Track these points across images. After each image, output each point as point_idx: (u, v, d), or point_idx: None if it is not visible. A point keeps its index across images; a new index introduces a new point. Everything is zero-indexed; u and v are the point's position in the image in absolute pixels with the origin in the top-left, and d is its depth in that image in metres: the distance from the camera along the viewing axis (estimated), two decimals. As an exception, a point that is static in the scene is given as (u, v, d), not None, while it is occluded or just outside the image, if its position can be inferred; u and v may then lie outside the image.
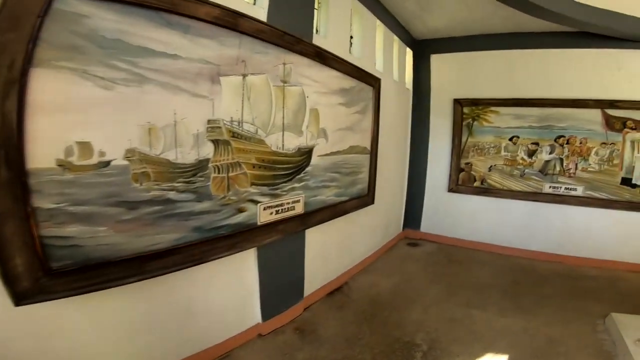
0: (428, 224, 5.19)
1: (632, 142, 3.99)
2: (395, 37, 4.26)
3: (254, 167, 2.12)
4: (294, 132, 2.43)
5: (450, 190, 4.93)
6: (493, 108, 4.51)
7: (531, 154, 4.40)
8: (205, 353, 2.14)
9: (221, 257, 1.96)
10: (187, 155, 1.75)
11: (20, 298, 1.26)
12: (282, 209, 2.39)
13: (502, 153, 4.55)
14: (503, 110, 4.45)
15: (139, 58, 1.50)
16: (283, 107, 2.30)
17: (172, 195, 1.71)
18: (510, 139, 4.48)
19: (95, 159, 1.42)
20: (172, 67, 1.63)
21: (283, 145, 2.34)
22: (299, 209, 2.56)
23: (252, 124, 2.08)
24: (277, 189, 2.33)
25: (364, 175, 3.53)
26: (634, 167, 4.01)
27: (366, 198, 3.62)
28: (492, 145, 4.59)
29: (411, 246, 4.98)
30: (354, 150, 3.27)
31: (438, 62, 4.83)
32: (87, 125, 1.37)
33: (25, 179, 1.22)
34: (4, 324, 1.31)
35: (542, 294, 3.45)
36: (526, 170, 4.44)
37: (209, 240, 1.90)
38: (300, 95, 2.45)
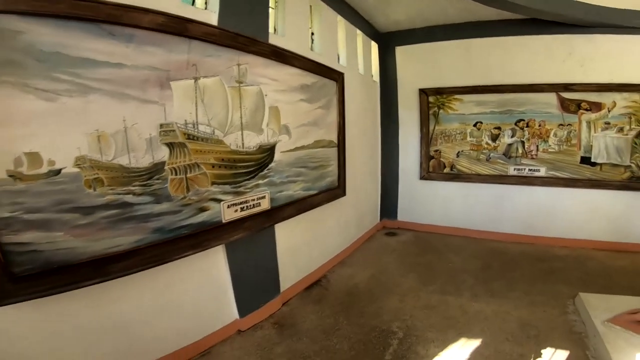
0: (404, 212, 5.32)
1: (588, 122, 4.16)
2: (359, 31, 4.33)
3: (213, 166, 2.16)
4: (254, 131, 2.48)
5: (422, 177, 5.05)
6: (456, 96, 4.64)
7: (494, 138, 4.55)
8: (183, 351, 2.20)
9: (185, 256, 2.01)
10: (141, 160, 1.79)
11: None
12: (247, 206, 2.45)
13: (468, 139, 4.69)
14: (466, 97, 4.59)
15: (81, 69, 1.52)
16: (240, 107, 2.35)
17: (128, 198, 1.75)
18: (475, 125, 4.62)
19: (44, 168, 1.45)
20: (117, 76, 1.66)
21: (243, 144, 2.39)
22: (265, 205, 2.62)
23: (208, 125, 2.12)
24: (240, 186, 2.38)
25: (333, 168, 3.60)
26: (591, 146, 4.18)
27: (337, 190, 3.69)
28: (458, 132, 4.73)
29: (389, 236, 5.10)
30: (320, 144, 3.34)
31: (403, 54, 4.92)
32: (33, 137, 1.40)
33: (-24, 191, 1.22)
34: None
35: (512, 277, 3.58)
36: (491, 154, 4.60)
37: (171, 240, 1.95)
38: (258, 94, 2.50)
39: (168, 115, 1.90)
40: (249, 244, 2.56)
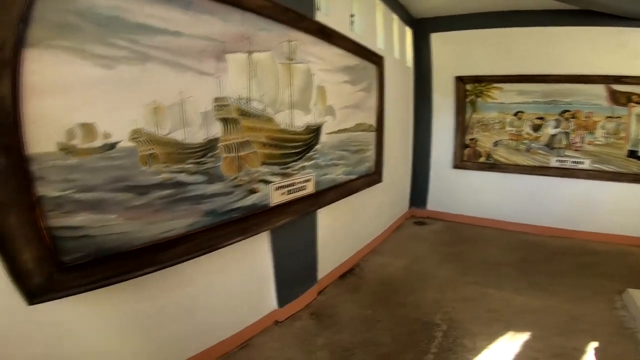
0: (434, 201, 5.11)
1: (638, 115, 3.83)
2: (395, 16, 4.08)
3: (264, 145, 2.01)
4: (302, 110, 2.32)
5: (456, 166, 4.81)
6: (496, 84, 4.36)
7: (536, 128, 4.27)
8: (223, 344, 2.08)
9: (235, 242, 1.87)
10: (195, 135, 1.64)
11: (33, 296, 1.16)
12: (293, 189, 2.30)
13: (507, 128, 4.41)
14: (507, 86, 4.30)
15: (139, 35, 1.37)
16: (290, 85, 2.18)
17: (182, 177, 1.60)
18: (515, 114, 4.34)
19: (99, 141, 1.30)
20: (174, 44, 1.50)
21: (292, 122, 2.23)
22: (310, 188, 2.47)
23: (260, 102, 1.96)
24: (287, 167, 2.23)
25: (371, 153, 3.43)
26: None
27: (374, 176, 3.53)
28: (497, 121, 4.46)
29: (418, 225, 4.90)
30: (361, 127, 3.16)
31: (438, 41, 4.65)
32: (89, 106, 1.25)
33: (26, 165, 1.11)
34: (16, 325, 1.22)
35: (553, 271, 3.37)
36: (532, 145, 4.32)
37: (222, 224, 1.81)
38: (307, 72, 2.32)
39: (223, 89, 1.74)
40: (292, 230, 2.42)
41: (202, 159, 1.67)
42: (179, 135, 1.57)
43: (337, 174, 2.83)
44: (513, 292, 2.92)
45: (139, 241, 1.46)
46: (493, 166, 4.56)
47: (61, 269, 1.23)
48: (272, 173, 2.10)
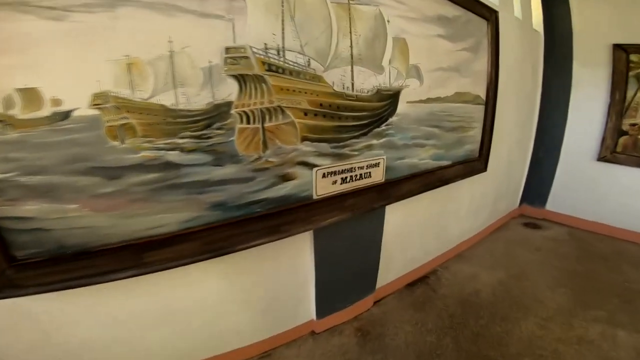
0: (557, 200, 3.69)
1: None
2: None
3: (305, 114, 1.35)
4: (370, 68, 1.56)
5: (602, 159, 3.28)
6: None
7: None
8: (241, 351, 1.64)
9: (257, 244, 1.32)
10: (194, 98, 1.09)
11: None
12: (351, 177, 1.61)
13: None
14: None
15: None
16: (350, 32, 1.44)
17: (174, 156, 1.08)
18: None
19: (47, 110, 0.90)
20: None
21: (352, 84, 1.49)
22: (378, 176, 1.73)
23: (300, 53, 1.30)
24: (343, 146, 1.54)
25: (475, 132, 2.43)
26: None
27: (476, 163, 2.53)
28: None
29: (529, 227, 3.62)
30: (462, 98, 2.20)
31: (582, -1, 3.04)
32: (31, 68, 0.86)
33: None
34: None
35: None
36: None
37: (238, 221, 1.26)
38: (377, 18, 1.53)
39: (239, 35, 1.14)
40: (346, 229, 1.78)
41: (204, 131, 1.11)
42: (167, 99, 1.05)
43: (422, 158, 2.00)
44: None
45: (116, 238, 1.07)
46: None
47: (15, 266, 0.96)
48: (317, 153, 1.44)
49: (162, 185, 1.07)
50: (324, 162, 1.46)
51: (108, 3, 0.92)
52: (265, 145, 1.25)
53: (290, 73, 1.26)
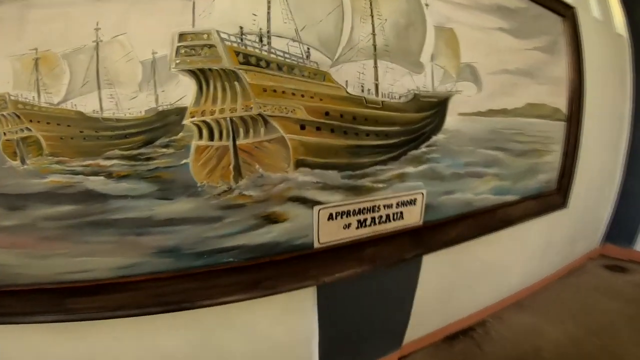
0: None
1: None
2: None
3: (303, 127, 0.94)
4: (403, 64, 1.09)
5: None
6: None
7: None
8: None
9: (227, 302, 0.93)
10: (128, 103, 0.76)
11: None
12: (374, 219, 1.14)
13: None
14: None
15: None
16: (372, 15, 0.99)
17: (97, 184, 0.76)
18: None
19: None
20: None
21: (377, 86, 1.03)
22: (414, 217, 1.23)
23: (295, 41, 0.89)
24: (362, 176, 1.08)
25: (554, 157, 1.78)
26: None
27: (553, 198, 1.85)
28: None
29: (612, 271, 2.74)
30: (537, 111, 1.61)
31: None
32: None
33: None
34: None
35: None
36: None
37: (200, 273, 0.87)
38: (410, 0, 1.04)
39: (201, 17, 0.79)
40: (364, 283, 1.28)
41: (142, 150, 0.77)
42: (87, 104, 0.73)
43: (478, 192, 1.43)
44: None
45: (29, 279, 0.78)
46: None
47: None
48: (321, 185, 1.01)
49: (82, 221, 0.75)
50: (332, 197, 1.02)
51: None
52: (238, 172, 0.86)
53: (279, 67, 0.87)
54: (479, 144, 1.36)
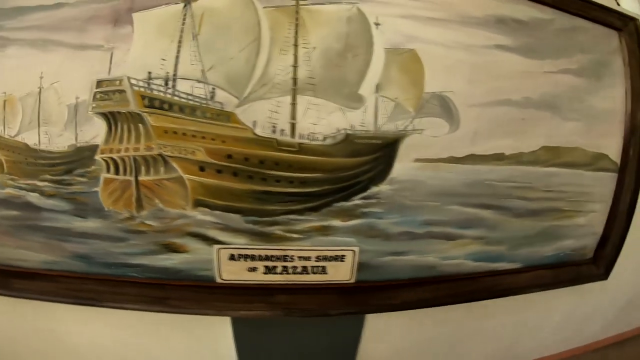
0: None
1: None
2: None
3: (202, 169, 0.96)
4: (334, 98, 0.98)
5: None
6: None
7: None
8: None
9: (130, 309, 1.05)
10: (56, 139, 0.95)
11: None
12: (285, 267, 1.07)
13: None
14: None
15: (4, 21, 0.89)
16: (296, 45, 0.93)
17: (34, 198, 0.98)
18: None
19: None
20: (51, 19, 0.89)
21: (293, 125, 0.97)
22: (342, 274, 1.10)
23: (200, 82, 0.93)
24: (272, 223, 1.03)
25: (591, 219, 1.28)
26: None
27: (587, 268, 1.36)
28: None
29: None
30: (562, 157, 1.18)
31: None
32: None
33: None
34: None
35: None
36: None
37: (108, 279, 1.03)
38: (352, 21, 0.95)
39: (117, 65, 0.92)
40: (285, 328, 1.19)
41: (64, 177, 0.96)
42: (31, 138, 0.96)
43: (447, 257, 1.15)
44: None
45: None
46: None
47: None
48: (222, 226, 1.01)
49: (22, 224, 0.98)
50: (235, 240, 1.01)
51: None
52: (139, 204, 0.96)
53: (181, 109, 0.93)
54: (450, 199, 1.10)
